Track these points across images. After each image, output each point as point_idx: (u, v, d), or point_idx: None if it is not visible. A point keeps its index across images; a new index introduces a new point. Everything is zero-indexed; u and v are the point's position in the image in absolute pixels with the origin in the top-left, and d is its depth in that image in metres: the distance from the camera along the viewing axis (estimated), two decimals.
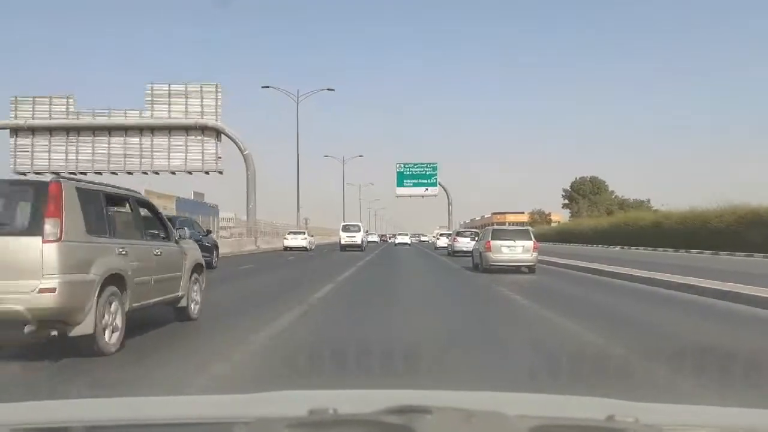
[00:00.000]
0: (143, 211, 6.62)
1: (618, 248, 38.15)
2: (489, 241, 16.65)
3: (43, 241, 4.73)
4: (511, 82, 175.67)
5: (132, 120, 37.75)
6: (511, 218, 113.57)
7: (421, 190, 55.37)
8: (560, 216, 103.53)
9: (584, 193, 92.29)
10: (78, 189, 5.19)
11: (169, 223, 7.16)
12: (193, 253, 7.46)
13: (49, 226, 4.76)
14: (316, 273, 16.72)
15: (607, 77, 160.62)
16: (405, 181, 55.09)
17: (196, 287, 7.33)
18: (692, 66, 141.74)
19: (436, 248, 40.44)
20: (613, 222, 49.75)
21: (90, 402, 1.99)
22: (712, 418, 1.59)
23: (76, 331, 4.87)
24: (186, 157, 37.93)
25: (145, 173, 38.22)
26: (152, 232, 6.56)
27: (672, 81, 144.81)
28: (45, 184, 4.95)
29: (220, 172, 37.54)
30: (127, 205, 6.27)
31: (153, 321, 6.69)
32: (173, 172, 38.32)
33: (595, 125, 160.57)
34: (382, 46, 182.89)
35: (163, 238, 6.76)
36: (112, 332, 5.25)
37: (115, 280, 5.31)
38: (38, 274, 4.69)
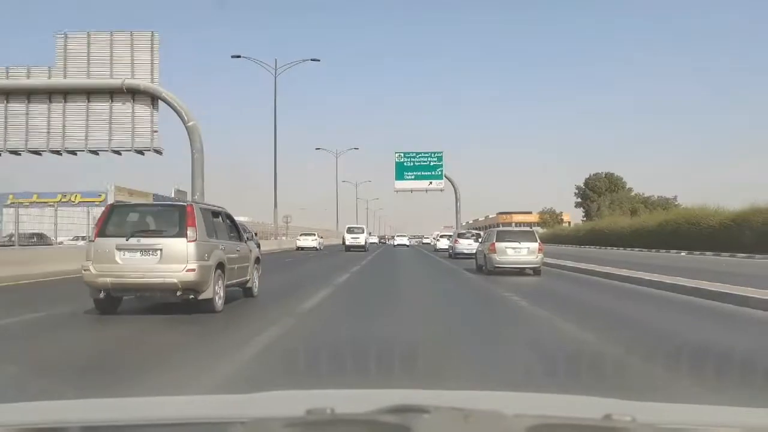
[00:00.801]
0: (228, 221, 9.72)
1: (683, 253, 30.77)
2: (494, 243, 16.56)
3: (187, 241, 7.84)
4: (517, 71, 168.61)
5: (38, 80, 27.21)
6: (518, 218, 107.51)
7: (424, 184, 47.42)
8: (569, 216, 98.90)
9: (600, 190, 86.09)
10: (200, 209, 8.30)
11: (241, 229, 10.23)
12: (255, 250, 10.58)
13: (190, 232, 7.87)
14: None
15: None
16: (405, 173, 47.51)
17: (256, 274, 10.39)
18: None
19: (437, 250, 39.89)
20: (667, 220, 39.98)
21: (86, 402, 1.99)
22: (709, 416, 1.60)
23: (202, 296, 7.98)
24: (110, 131, 27.44)
25: (57, 153, 27.43)
26: (233, 235, 9.64)
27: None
28: (184, 206, 8.03)
29: (158, 152, 27.40)
30: (220, 217, 9.37)
31: (232, 297, 9.58)
32: (94, 152, 27.75)
33: (606, 118, 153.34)
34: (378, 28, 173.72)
35: (239, 239, 9.84)
36: (220, 299, 8.37)
37: (220, 266, 8.41)
38: (184, 261, 7.79)
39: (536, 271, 16.48)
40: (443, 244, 38.63)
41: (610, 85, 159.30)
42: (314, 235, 44.96)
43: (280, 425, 1.34)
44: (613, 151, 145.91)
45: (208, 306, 8.12)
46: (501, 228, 20.84)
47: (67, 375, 4.96)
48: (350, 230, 43.42)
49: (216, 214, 9.26)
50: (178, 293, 7.82)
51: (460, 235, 30.96)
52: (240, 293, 10.13)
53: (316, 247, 42.68)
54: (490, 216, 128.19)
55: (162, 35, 27.52)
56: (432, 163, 47.80)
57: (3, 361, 5.59)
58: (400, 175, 47.48)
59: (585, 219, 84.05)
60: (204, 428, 1.44)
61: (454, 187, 50.55)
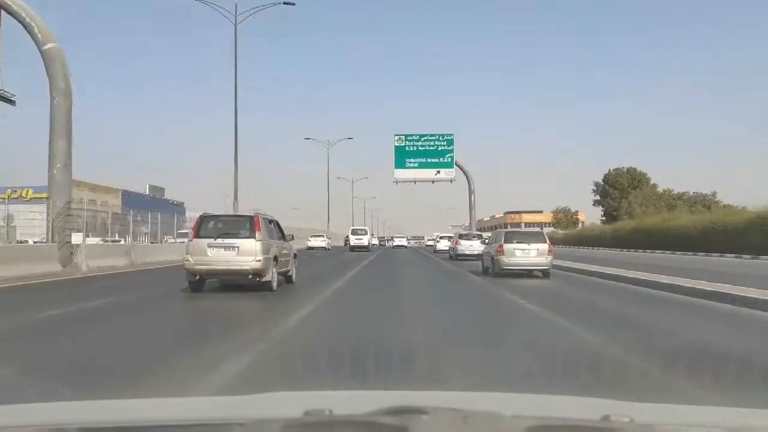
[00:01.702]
0: (277, 227, 13.44)
1: None
2: (502, 245, 16.26)
3: (255, 241, 11.49)
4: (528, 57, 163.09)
5: None
6: (528, 218, 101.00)
7: (430, 173, 40.91)
8: (583, 215, 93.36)
9: (622, 186, 78.19)
10: (262, 218, 11.96)
11: (283, 232, 13.90)
12: (293, 248, 14.33)
13: (257, 235, 11.52)
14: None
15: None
16: (407, 160, 40.69)
17: (294, 266, 14.05)
18: None
19: (437, 251, 39.14)
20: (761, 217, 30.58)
21: (85, 404, 1.96)
22: (707, 417, 1.61)
23: (264, 279, 11.64)
24: None
25: None
26: (280, 236, 13.30)
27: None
28: (253, 216, 11.68)
29: (7, 100, 19.56)
30: (273, 224, 13.03)
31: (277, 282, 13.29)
32: None
33: (624, 112, 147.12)
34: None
35: (284, 240, 13.51)
36: (275, 281, 12.04)
37: (275, 259, 12.09)
38: (254, 254, 11.44)
39: (545, 274, 16.19)
40: (443, 245, 38.01)
41: (611, 87, 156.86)
42: (323, 236, 49.66)
43: (278, 426, 1.36)
44: (624, 146, 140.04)
45: (267, 286, 11.79)
46: (509, 229, 21.08)
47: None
48: (354, 232, 47.99)
49: (270, 221, 12.96)
50: (249, 276, 11.49)
51: (462, 236, 30.67)
52: (282, 280, 13.76)
53: (325, 247, 47.01)
54: (497, 216, 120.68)
55: None
56: (441, 148, 40.44)
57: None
58: (400, 162, 40.38)
59: (604, 219, 77.50)
60: (202, 430, 1.45)
61: (467, 177, 43.35)
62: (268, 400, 1.72)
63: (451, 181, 41.65)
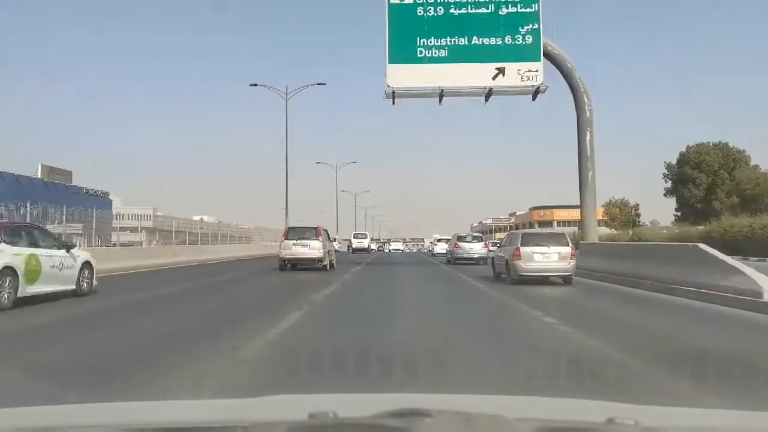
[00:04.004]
0: (328, 233, 23.21)
1: None
2: (518, 248, 14.87)
3: (319, 241, 21.29)
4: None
5: None
6: (562, 215, 79.73)
7: (481, 73, 19.60)
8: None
9: (711, 167, 56.72)
10: (323, 229, 21.59)
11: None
12: (335, 246, 24.60)
13: (321, 238, 21.49)
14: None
15: None
16: (425, 40, 19.61)
17: (334, 259, 23.55)
18: None
19: (434, 255, 40.32)
20: None
21: (88, 407, 1.99)
22: (711, 420, 1.62)
23: (323, 263, 21.49)
24: None
25: None
26: (329, 239, 23.11)
27: None
28: (316, 227, 21.34)
29: None
30: (325, 231, 22.63)
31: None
32: None
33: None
34: None
35: (330, 241, 23.20)
36: (329, 265, 21.93)
37: (329, 252, 22.04)
38: (319, 249, 21.14)
39: (567, 280, 14.88)
40: (441, 248, 37.73)
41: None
42: (336, 240, 59.74)
43: (283, 429, 1.38)
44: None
45: (325, 268, 21.33)
46: (527, 230, 19.92)
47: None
48: (356, 236, 57.41)
49: (324, 230, 22.40)
50: (316, 263, 20.90)
51: (460, 238, 28.89)
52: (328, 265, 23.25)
53: (336, 249, 56.77)
54: (519, 213, 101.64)
55: None
56: (508, 13, 19.55)
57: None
58: (404, 47, 19.67)
59: (679, 213, 58.89)
60: None
61: (570, 82, 20.59)
62: (272, 403, 1.75)
63: (537, 89, 20.06)
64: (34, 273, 9.81)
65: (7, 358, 5.85)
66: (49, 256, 10.26)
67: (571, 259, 14.96)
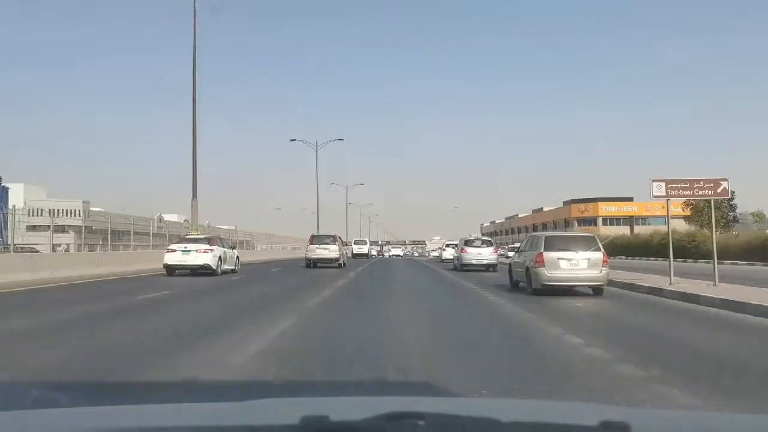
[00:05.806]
0: (341, 239, 30.43)
1: None
2: (541, 253, 13.17)
3: (337, 247, 28.08)
4: None
5: None
6: (609, 211, 70.07)
7: None
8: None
9: None
10: (338, 236, 28.44)
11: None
12: (346, 249, 31.59)
13: (338, 243, 28.51)
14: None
15: None
16: None
17: (345, 259, 30.96)
18: None
19: (443, 260, 38.21)
20: None
21: (84, 411, 2.01)
22: (703, 423, 1.63)
23: (339, 262, 28.68)
24: None
25: None
26: (340, 242, 30.03)
27: None
28: (335, 235, 28.19)
29: None
30: (341, 237, 29.60)
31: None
32: None
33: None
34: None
35: (341, 245, 30.08)
36: (343, 264, 29.23)
37: (342, 254, 29.28)
38: (336, 252, 28.23)
39: (597, 291, 13.32)
40: (449, 254, 35.75)
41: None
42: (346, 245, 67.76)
43: None
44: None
45: (341, 266, 28.36)
46: (549, 233, 15.81)
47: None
48: (356, 242, 63.01)
49: (340, 237, 29.19)
50: (333, 262, 27.95)
51: (468, 243, 26.97)
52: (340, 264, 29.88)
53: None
54: (549, 209, 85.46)
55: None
56: None
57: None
58: None
59: None
60: None
61: None
62: (265, 407, 1.75)
63: None
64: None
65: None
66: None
67: (603, 266, 13.29)
